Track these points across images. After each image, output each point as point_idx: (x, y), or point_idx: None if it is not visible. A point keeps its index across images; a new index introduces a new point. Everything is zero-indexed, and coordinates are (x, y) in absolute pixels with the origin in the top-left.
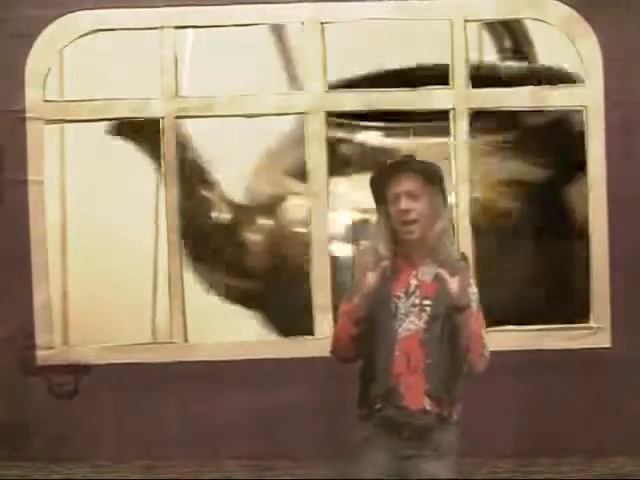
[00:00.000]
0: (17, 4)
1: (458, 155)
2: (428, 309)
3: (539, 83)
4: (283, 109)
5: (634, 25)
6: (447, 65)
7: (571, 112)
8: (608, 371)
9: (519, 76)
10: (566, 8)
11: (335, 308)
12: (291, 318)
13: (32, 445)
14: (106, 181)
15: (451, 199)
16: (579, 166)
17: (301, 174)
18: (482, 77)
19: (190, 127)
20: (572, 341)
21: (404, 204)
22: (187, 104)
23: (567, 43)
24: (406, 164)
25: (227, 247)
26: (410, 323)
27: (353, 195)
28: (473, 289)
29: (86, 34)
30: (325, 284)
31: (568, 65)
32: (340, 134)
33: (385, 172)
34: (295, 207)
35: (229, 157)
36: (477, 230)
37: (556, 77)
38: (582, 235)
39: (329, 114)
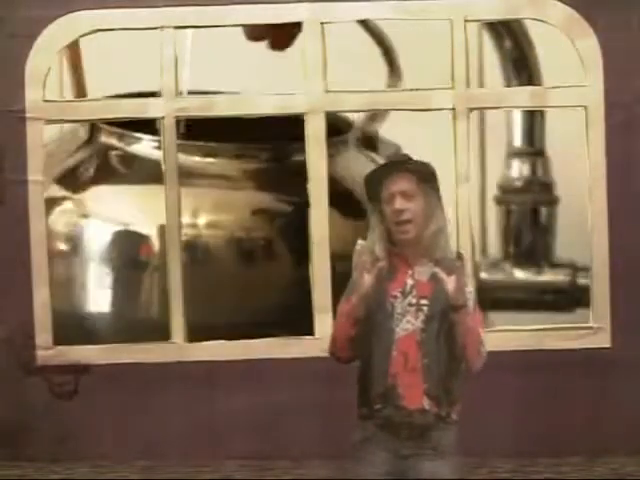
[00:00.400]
0: (17, 4)
1: (458, 155)
2: (425, 309)
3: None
4: (283, 109)
5: (634, 25)
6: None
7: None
8: (608, 371)
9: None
10: (566, 8)
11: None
12: None
13: (32, 445)
14: None
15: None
16: None
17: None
18: None
19: None
20: (572, 341)
21: (399, 204)
22: (187, 104)
23: (567, 43)
24: (401, 164)
25: None
26: (407, 323)
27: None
28: (469, 288)
29: (86, 34)
30: (325, 284)
31: (568, 65)
32: (114, 142)
33: (379, 172)
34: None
35: None
36: None
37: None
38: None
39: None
